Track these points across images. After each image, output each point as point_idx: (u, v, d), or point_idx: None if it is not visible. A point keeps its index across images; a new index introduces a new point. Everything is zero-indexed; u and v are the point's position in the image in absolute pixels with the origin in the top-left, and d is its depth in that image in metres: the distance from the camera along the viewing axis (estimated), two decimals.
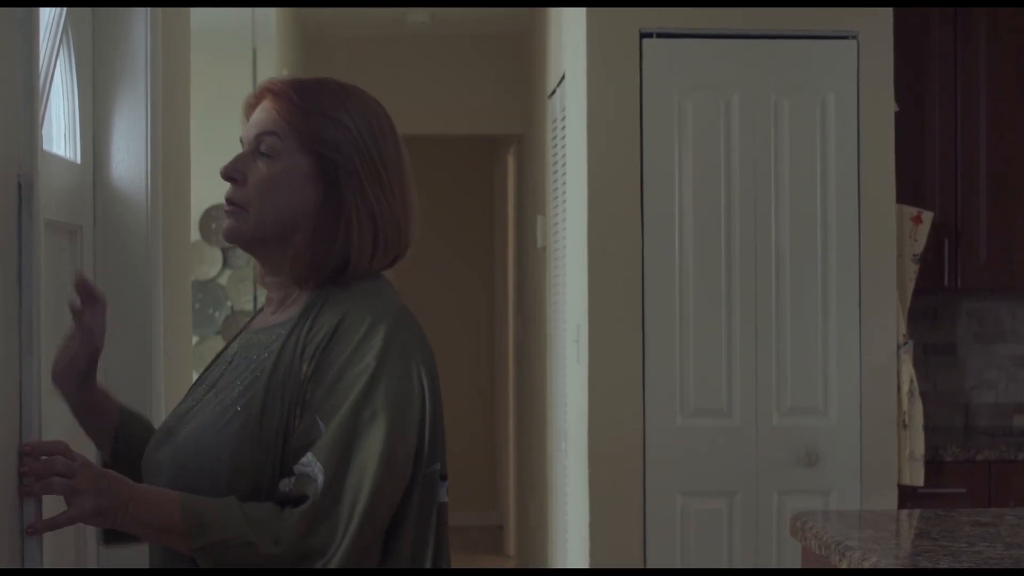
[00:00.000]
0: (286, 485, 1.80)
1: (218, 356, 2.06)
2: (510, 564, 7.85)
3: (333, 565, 1.77)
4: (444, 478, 1.92)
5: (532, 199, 6.30)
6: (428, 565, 1.88)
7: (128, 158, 2.77)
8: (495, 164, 8.90)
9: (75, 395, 2.02)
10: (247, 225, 1.90)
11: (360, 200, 1.89)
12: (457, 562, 8.14)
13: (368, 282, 1.93)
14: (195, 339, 5.41)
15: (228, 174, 1.91)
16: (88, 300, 1.95)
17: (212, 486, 1.82)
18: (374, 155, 1.91)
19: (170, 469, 1.87)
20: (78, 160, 2.70)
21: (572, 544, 4.55)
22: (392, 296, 1.94)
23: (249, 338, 1.97)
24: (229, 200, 1.91)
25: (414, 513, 1.87)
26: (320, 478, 1.77)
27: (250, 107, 1.96)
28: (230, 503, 1.79)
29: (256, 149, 1.91)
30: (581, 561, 4.28)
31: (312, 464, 1.78)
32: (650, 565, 4.11)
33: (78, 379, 2.00)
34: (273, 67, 5.25)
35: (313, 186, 1.90)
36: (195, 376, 2.45)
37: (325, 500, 1.77)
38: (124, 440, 2.05)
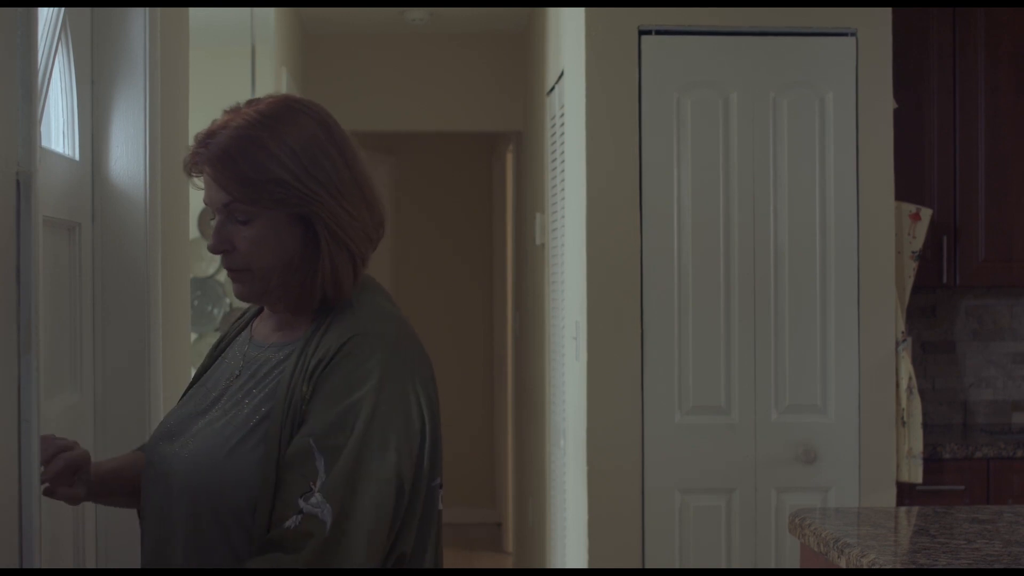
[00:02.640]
0: (293, 522, 1.84)
1: (215, 351, 2.12)
2: (509, 562, 7.84)
3: None
4: (441, 487, 2.01)
5: (531, 196, 6.30)
6: (428, 566, 1.98)
7: (127, 155, 2.77)
8: (494, 161, 8.89)
9: (90, 488, 2.07)
10: (255, 283, 2.00)
11: (331, 238, 1.97)
12: (455, 559, 8.13)
13: (365, 295, 2.02)
14: (193, 336, 5.41)
15: (219, 248, 1.98)
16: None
17: (233, 501, 1.88)
18: (322, 192, 1.96)
19: (181, 480, 1.93)
20: (77, 157, 2.69)
21: (571, 541, 4.55)
22: (389, 311, 2.01)
23: (256, 354, 2.03)
24: (230, 268, 1.99)
25: (417, 524, 1.95)
26: (328, 521, 1.84)
27: (190, 167, 1.99)
28: None
29: (230, 217, 1.97)
30: (580, 558, 4.28)
31: (322, 506, 1.84)
32: (649, 562, 4.11)
33: (83, 476, 2.04)
34: (272, 64, 5.25)
35: (291, 231, 1.97)
36: (192, 372, 2.46)
37: (330, 543, 1.83)
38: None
